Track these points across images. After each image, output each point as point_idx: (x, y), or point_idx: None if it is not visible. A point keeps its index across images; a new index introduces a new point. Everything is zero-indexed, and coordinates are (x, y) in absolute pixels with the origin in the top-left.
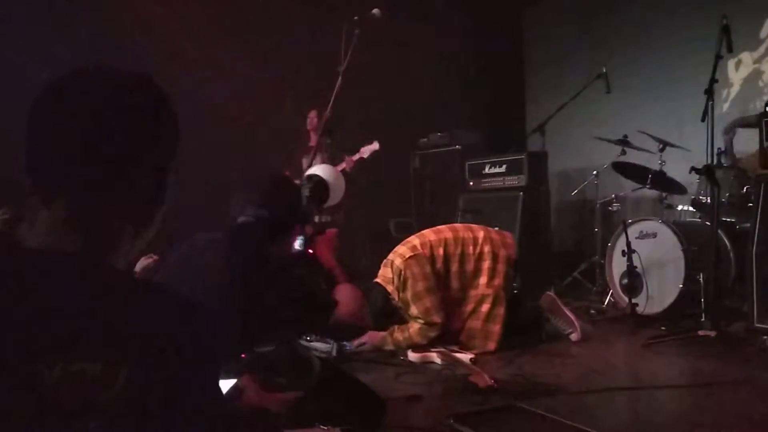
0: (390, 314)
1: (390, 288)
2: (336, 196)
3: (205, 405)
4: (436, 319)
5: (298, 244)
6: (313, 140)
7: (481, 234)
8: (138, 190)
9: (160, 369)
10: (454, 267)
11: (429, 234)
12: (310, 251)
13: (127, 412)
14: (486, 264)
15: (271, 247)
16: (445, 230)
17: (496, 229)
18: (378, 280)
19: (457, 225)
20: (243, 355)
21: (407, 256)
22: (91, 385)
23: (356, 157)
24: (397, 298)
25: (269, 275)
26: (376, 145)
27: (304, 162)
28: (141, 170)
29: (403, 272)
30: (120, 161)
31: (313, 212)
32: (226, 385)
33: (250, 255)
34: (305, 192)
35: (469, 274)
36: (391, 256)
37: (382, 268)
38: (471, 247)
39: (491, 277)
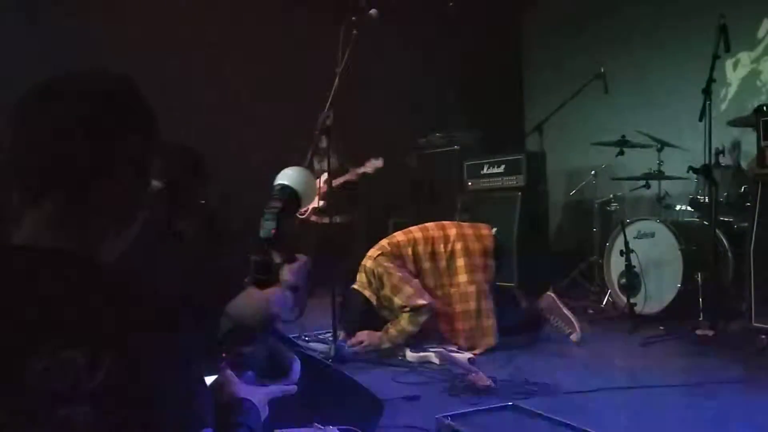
0: (372, 318)
1: (367, 293)
2: (308, 200)
3: (187, 392)
4: (421, 302)
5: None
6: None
7: (452, 231)
8: (121, 189)
9: (141, 357)
10: (426, 265)
11: (398, 235)
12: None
13: (111, 398)
14: (461, 261)
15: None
16: (414, 230)
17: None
18: (355, 286)
19: (429, 224)
20: (223, 354)
21: (375, 255)
22: (77, 372)
23: (360, 170)
24: (377, 299)
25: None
26: (380, 162)
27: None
28: (123, 171)
29: (375, 270)
30: (103, 162)
31: (291, 225)
32: (208, 379)
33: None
34: (278, 205)
35: (443, 271)
36: (363, 261)
37: (357, 275)
38: (441, 245)
39: (470, 272)
